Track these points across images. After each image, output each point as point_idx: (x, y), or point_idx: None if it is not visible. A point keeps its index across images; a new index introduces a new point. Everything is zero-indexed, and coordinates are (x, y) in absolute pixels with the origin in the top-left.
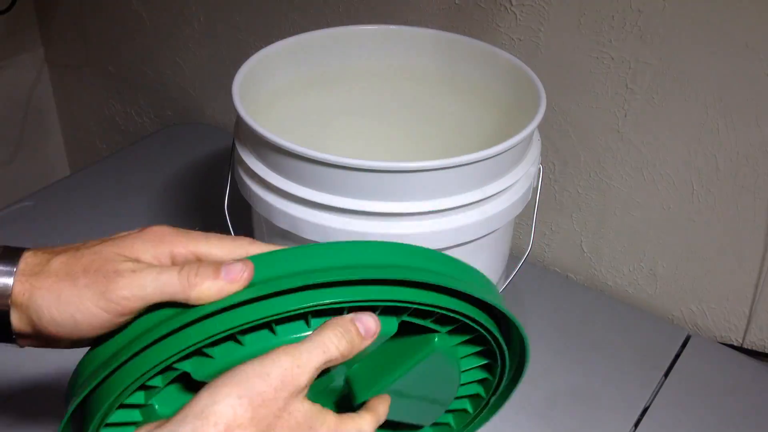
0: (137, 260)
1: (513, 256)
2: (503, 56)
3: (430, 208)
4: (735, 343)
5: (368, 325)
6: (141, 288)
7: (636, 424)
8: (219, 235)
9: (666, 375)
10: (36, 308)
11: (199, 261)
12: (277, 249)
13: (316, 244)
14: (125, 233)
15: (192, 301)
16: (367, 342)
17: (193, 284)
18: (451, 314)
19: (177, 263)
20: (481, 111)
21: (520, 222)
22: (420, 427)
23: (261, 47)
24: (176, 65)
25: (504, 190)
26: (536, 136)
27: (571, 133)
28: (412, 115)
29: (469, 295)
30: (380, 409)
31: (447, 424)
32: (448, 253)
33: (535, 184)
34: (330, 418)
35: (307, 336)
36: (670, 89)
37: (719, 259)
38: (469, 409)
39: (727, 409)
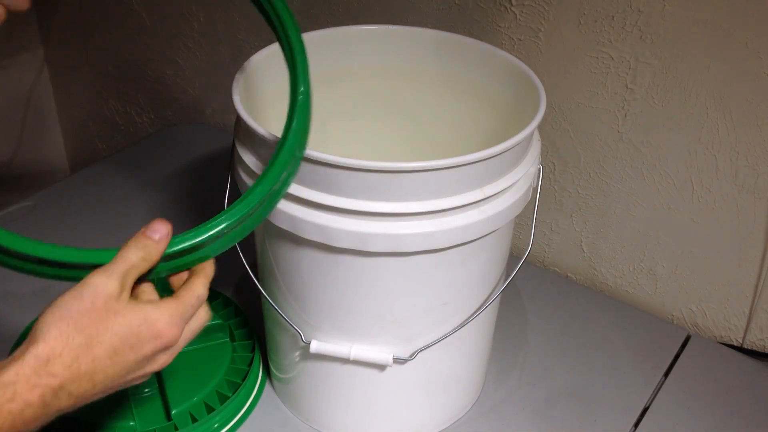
0: None
1: (513, 256)
2: (503, 56)
3: (430, 209)
4: (735, 343)
5: (157, 228)
6: None
7: (636, 424)
8: None
9: (666, 375)
10: None
11: None
12: None
13: None
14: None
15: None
16: (162, 245)
17: None
18: None
19: None
20: (481, 111)
21: (520, 222)
22: None
23: (261, 47)
24: (176, 65)
25: (504, 190)
26: (536, 136)
27: (571, 133)
28: (412, 115)
29: None
30: (207, 268)
31: None
32: (449, 253)
33: (535, 184)
34: (163, 302)
35: None
36: (670, 89)
37: (719, 259)
38: None
39: (727, 409)
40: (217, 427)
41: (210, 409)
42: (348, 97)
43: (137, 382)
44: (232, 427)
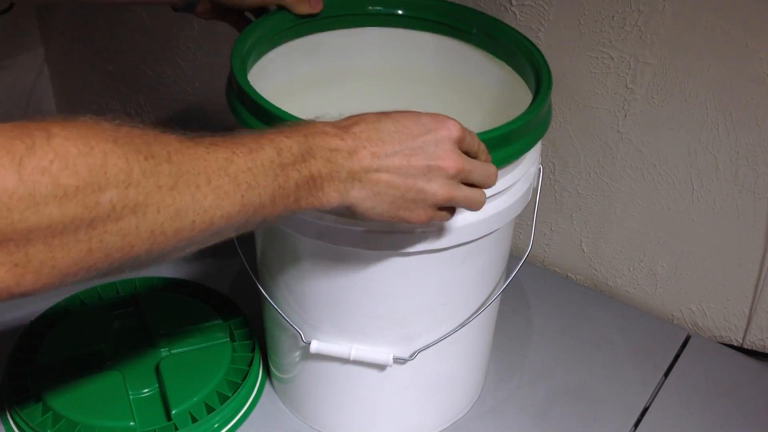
0: None
1: (513, 257)
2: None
3: None
4: (735, 343)
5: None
6: None
7: (636, 424)
8: None
9: (666, 375)
10: None
11: None
12: None
13: None
14: None
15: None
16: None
17: None
18: None
19: None
20: (481, 111)
21: (520, 222)
22: None
23: None
24: (176, 65)
25: (504, 190)
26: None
27: (571, 133)
28: None
29: None
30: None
31: None
32: (449, 253)
33: (535, 184)
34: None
35: None
36: (670, 89)
37: (719, 259)
38: None
39: (727, 409)
40: (217, 427)
41: (210, 409)
42: (348, 97)
43: (423, 185)
44: (232, 427)
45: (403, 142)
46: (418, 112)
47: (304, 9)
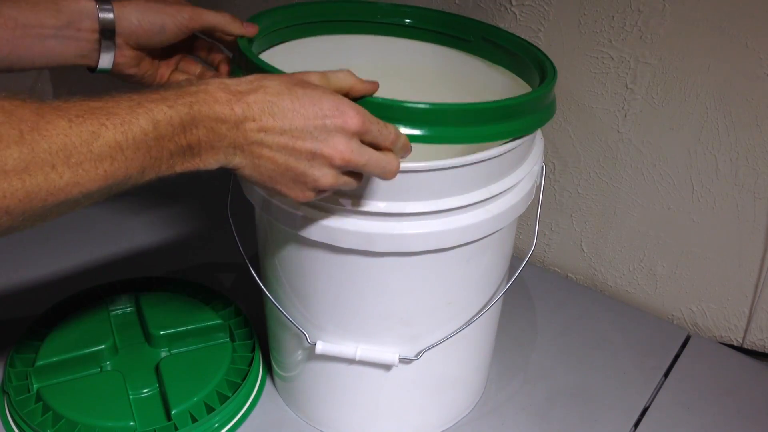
0: None
1: (514, 257)
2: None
3: (436, 208)
4: (735, 343)
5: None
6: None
7: (636, 424)
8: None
9: (666, 375)
10: (127, 14)
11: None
12: None
13: None
14: None
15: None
16: (369, 86)
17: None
18: None
19: None
20: None
21: (520, 222)
22: None
23: None
24: None
25: (508, 189)
26: (539, 135)
27: (571, 133)
28: None
29: None
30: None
31: None
32: (454, 252)
33: (538, 182)
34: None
35: None
36: (670, 89)
37: (719, 259)
38: None
39: (727, 409)
40: (217, 427)
41: (210, 409)
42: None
43: (307, 173)
44: (232, 427)
45: (294, 121)
46: (323, 93)
47: (236, 29)
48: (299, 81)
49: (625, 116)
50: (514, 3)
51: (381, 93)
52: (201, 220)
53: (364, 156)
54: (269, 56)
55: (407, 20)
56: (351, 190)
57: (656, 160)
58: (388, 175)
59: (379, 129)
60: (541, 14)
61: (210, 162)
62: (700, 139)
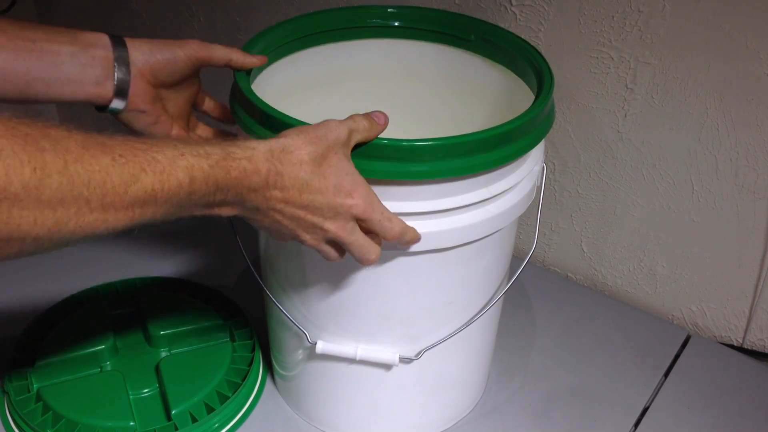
0: None
1: (514, 257)
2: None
3: (436, 208)
4: (735, 343)
5: (379, 116)
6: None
7: (636, 424)
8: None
9: (666, 375)
10: (138, 45)
11: None
12: None
13: None
14: None
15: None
16: (382, 128)
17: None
18: None
19: None
20: (482, 110)
21: (520, 222)
22: None
23: None
24: None
25: (509, 189)
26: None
27: (571, 133)
28: (414, 115)
29: None
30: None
31: None
32: (454, 252)
33: (538, 182)
34: (351, 165)
35: None
36: (670, 89)
37: (719, 259)
38: None
39: (727, 409)
40: (217, 427)
41: (210, 409)
42: (349, 97)
43: (301, 235)
44: (232, 427)
45: (315, 200)
46: (346, 171)
47: (246, 62)
48: (328, 149)
49: (625, 116)
50: (514, 3)
51: (382, 92)
52: (201, 219)
53: (351, 237)
54: (270, 72)
55: (407, 22)
56: (329, 259)
57: (656, 160)
58: (363, 262)
59: (381, 221)
60: (541, 14)
61: (226, 213)
62: (700, 139)
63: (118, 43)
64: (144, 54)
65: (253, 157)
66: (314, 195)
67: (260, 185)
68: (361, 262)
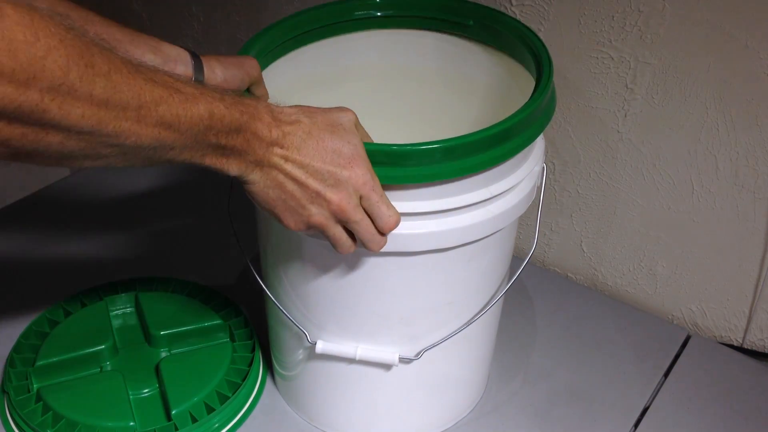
0: None
1: (514, 257)
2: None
3: (436, 208)
4: (735, 343)
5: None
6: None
7: (636, 424)
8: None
9: (666, 375)
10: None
11: None
12: None
13: None
14: None
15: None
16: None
17: None
18: None
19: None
20: (483, 110)
21: (521, 222)
22: None
23: None
24: None
25: (509, 189)
26: (540, 135)
27: (571, 133)
28: (414, 115)
29: None
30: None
31: None
32: (454, 252)
33: (539, 182)
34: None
35: None
36: (670, 89)
37: (719, 259)
38: None
39: (727, 409)
40: (217, 427)
41: (210, 409)
42: (349, 97)
43: (307, 208)
44: (232, 427)
45: (314, 161)
46: (348, 142)
47: (259, 91)
48: (331, 123)
49: (625, 116)
50: (514, 3)
51: (383, 94)
52: (201, 219)
53: (358, 215)
54: (271, 70)
55: (405, 10)
56: (342, 249)
57: (656, 160)
58: (373, 245)
59: (378, 203)
60: (541, 14)
61: (233, 168)
62: (700, 139)
63: (196, 61)
64: (213, 72)
65: (258, 107)
66: (313, 156)
67: (264, 135)
68: (370, 246)
